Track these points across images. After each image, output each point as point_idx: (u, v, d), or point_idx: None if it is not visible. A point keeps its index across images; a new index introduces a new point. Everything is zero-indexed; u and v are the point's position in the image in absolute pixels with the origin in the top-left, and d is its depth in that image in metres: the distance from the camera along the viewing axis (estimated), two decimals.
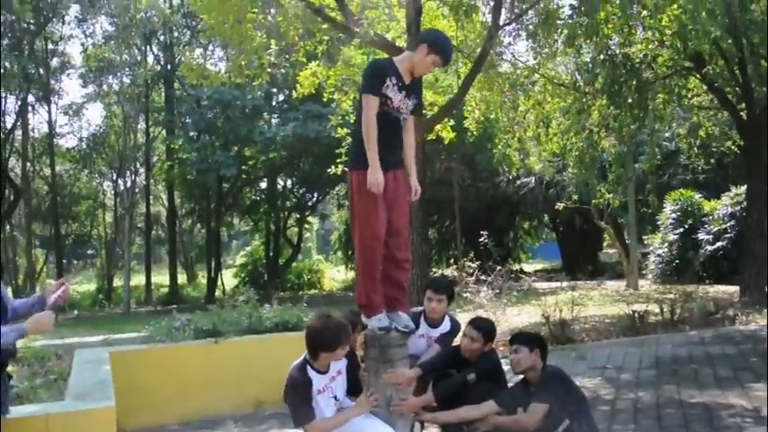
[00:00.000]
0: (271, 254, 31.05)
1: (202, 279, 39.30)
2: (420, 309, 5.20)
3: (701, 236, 20.43)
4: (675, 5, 9.43)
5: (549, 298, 15.43)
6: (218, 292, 28.11)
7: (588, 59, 13.50)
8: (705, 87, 15.75)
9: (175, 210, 31.29)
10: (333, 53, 12.50)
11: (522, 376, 4.63)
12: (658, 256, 21.72)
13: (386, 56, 9.04)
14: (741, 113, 14.36)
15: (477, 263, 10.36)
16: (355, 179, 4.27)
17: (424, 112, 10.74)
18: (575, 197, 23.09)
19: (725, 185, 23.24)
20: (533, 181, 28.10)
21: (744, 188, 20.18)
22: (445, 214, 28.87)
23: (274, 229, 30.95)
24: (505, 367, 4.95)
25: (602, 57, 12.80)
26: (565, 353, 8.67)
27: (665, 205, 22.40)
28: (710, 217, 20.64)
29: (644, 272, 21.87)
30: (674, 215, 21.66)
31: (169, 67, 28.03)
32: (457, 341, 5.09)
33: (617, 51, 12.91)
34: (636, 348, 8.99)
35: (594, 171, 16.64)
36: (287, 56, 11.96)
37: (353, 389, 4.35)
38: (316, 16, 9.56)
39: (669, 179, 22.79)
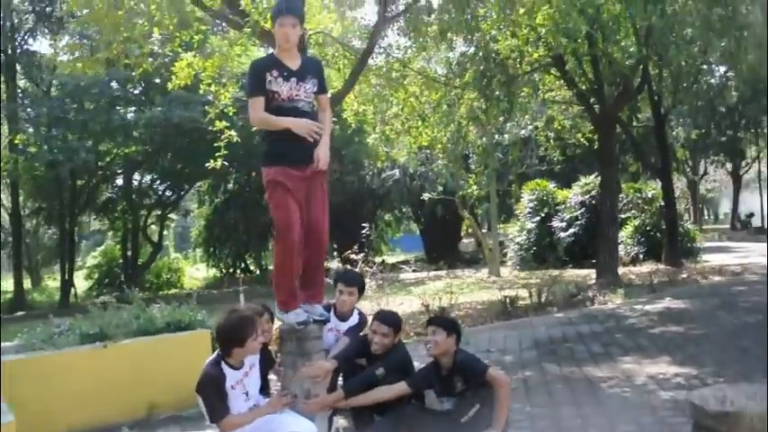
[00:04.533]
0: (129, 253, 29.62)
1: (49, 283, 36.83)
2: (327, 302, 5.19)
3: (556, 223, 21.77)
4: (548, 5, 9.98)
5: (420, 288, 16.06)
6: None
7: (459, 54, 13.99)
8: (561, 83, 16.80)
9: (19, 210, 28.90)
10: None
11: (432, 359, 4.73)
12: (517, 243, 22.88)
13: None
14: (594, 107, 15.40)
15: (360, 254, 10.44)
16: (264, 175, 4.24)
17: None
18: (440, 188, 23.91)
19: (575, 175, 24.95)
20: (398, 173, 28.77)
21: (592, 178, 21.81)
22: None
23: (132, 228, 29.51)
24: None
25: (472, 51, 13.33)
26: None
27: (522, 195, 23.68)
28: (564, 205, 22.01)
29: (504, 259, 22.97)
30: (531, 204, 22.89)
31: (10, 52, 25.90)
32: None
33: (488, 47, 13.41)
34: (513, 331, 9.45)
35: (461, 162, 17.34)
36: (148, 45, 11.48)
37: (263, 387, 4.31)
38: (193, 5, 9.22)
39: (526, 170, 24.00)
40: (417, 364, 5.02)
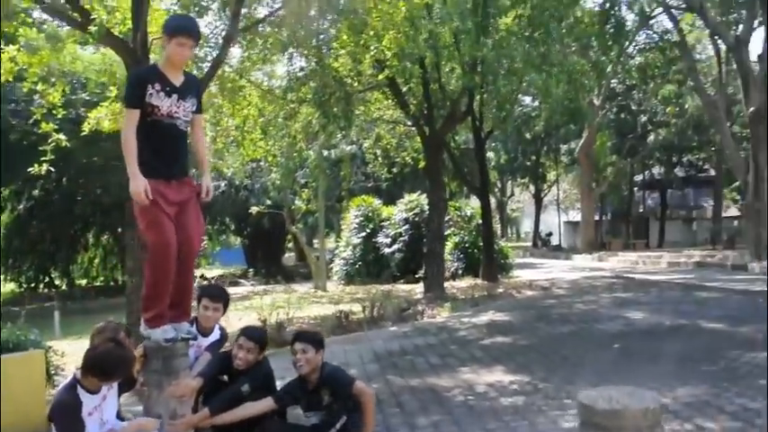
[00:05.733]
0: None
1: None
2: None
3: (381, 239, 22.48)
4: (395, 30, 10.42)
5: (246, 302, 15.90)
6: None
7: (299, 68, 14.12)
8: (390, 103, 17.47)
9: None
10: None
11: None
12: (343, 258, 23.32)
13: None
14: (424, 129, 16.16)
15: None
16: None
17: None
18: (269, 201, 23.81)
19: (399, 193, 25.92)
20: (223, 185, 28.23)
21: (415, 195, 22.83)
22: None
23: None
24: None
25: (311, 66, 13.52)
26: (287, 354, 8.98)
27: (348, 211, 24.20)
28: (388, 222, 22.78)
29: (330, 274, 23.30)
30: (357, 220, 23.44)
31: None
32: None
33: (325, 63, 13.64)
34: (352, 345, 9.65)
35: (293, 176, 17.41)
36: None
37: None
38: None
39: (353, 186, 24.58)
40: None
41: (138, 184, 3.90)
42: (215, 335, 5.10)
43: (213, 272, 32.82)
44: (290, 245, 36.36)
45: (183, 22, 4.33)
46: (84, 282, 32.40)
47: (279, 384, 5.02)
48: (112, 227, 27.76)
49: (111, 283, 30.68)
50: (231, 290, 17.56)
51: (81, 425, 3.72)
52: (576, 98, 16.50)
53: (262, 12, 13.10)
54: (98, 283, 31.66)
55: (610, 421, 2.42)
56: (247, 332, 4.94)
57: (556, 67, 13.28)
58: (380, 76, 13.07)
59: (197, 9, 9.00)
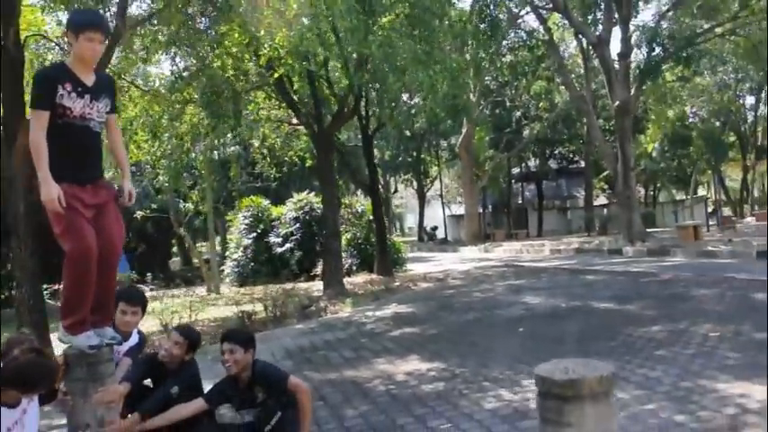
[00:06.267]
0: None
1: None
2: None
3: (272, 239, 22.26)
4: (287, 28, 10.34)
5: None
6: None
7: (183, 68, 13.72)
8: (273, 102, 17.32)
9: None
10: None
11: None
12: (234, 260, 22.89)
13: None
14: (313, 127, 16.13)
15: None
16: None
17: None
18: (154, 205, 22.94)
19: (286, 192, 25.73)
20: None
21: (304, 194, 22.78)
22: None
23: None
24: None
25: (196, 66, 13.17)
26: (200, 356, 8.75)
27: (235, 212, 23.78)
28: (279, 221, 22.60)
29: (221, 276, 22.81)
30: (246, 221, 23.08)
31: None
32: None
33: (208, 62, 13.33)
34: (261, 344, 9.31)
35: (183, 178, 16.89)
36: None
37: None
38: None
39: (240, 186, 24.17)
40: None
41: (51, 191, 3.68)
42: (133, 339, 4.92)
43: None
44: (175, 249, 35.32)
45: (89, 17, 4.12)
46: None
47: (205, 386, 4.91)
48: None
49: None
50: None
51: None
52: (459, 94, 17.00)
53: (137, 10, 12.66)
54: None
55: (568, 390, 2.56)
56: (181, 329, 4.89)
57: (439, 64, 13.64)
58: (275, 75, 12.90)
59: (76, 4, 8.51)
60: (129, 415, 4.49)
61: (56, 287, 10.94)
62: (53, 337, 6.89)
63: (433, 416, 5.35)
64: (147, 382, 4.82)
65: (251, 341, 4.68)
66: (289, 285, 17.11)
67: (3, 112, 9.17)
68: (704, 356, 6.35)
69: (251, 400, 4.61)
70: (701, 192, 44.46)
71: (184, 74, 13.72)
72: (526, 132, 38.04)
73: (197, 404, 4.58)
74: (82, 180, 3.88)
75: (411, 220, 58.96)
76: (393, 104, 15.66)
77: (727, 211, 40.55)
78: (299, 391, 4.59)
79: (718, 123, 41.09)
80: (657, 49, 21.99)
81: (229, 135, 14.41)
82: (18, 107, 9.04)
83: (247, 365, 4.57)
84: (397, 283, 16.16)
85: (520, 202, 43.90)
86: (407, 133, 38.28)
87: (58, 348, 4.62)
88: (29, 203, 8.99)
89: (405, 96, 30.82)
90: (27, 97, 9.74)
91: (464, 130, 33.03)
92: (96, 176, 4.02)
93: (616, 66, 22.92)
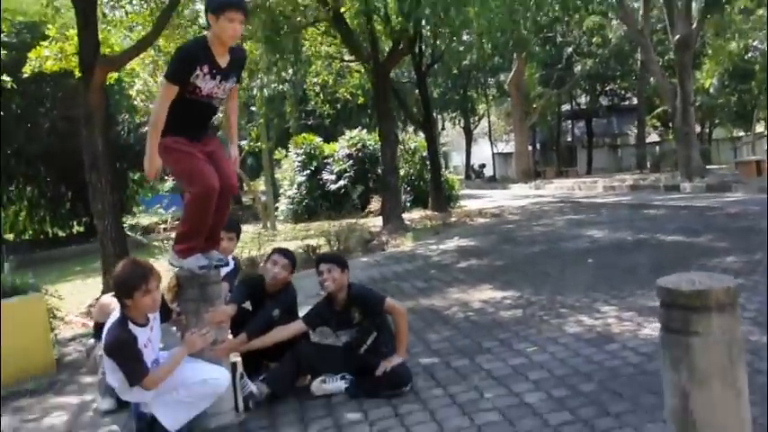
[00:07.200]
0: None
1: None
2: None
3: (326, 176, 22.48)
4: None
5: None
6: None
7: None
8: (332, 38, 17.21)
9: None
10: None
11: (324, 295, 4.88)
12: (288, 197, 23.24)
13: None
14: (370, 63, 16.05)
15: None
16: (163, 147, 3.99)
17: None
18: None
19: (338, 130, 25.78)
20: None
21: (356, 132, 22.83)
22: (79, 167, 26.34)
23: None
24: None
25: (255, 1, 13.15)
26: None
27: (289, 150, 23.97)
28: (332, 158, 22.77)
29: (276, 214, 23.19)
30: (299, 158, 23.31)
31: None
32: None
33: None
34: None
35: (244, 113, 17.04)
36: None
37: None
38: None
39: (293, 123, 24.32)
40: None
41: (150, 170, 3.92)
42: (230, 265, 5.14)
43: (148, 219, 31.95)
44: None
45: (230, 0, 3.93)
46: (11, 237, 31.12)
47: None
48: (37, 178, 26.63)
49: (42, 237, 29.57)
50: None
51: (140, 355, 3.77)
52: (517, 28, 16.68)
53: None
54: (26, 237, 30.50)
55: (696, 301, 2.63)
56: (281, 251, 5.04)
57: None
58: (334, 10, 12.80)
59: None
60: (232, 337, 4.74)
61: None
62: None
63: (517, 339, 5.49)
64: (246, 305, 5.03)
65: (346, 263, 4.85)
66: (347, 221, 17.38)
67: (79, 49, 9.38)
68: None
69: (347, 321, 4.80)
70: (759, 129, 43.01)
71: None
72: (577, 69, 37.17)
73: (297, 326, 4.80)
74: (195, 139, 4.09)
75: (456, 159, 58.60)
76: (454, 39, 15.40)
77: None
78: (395, 312, 4.76)
79: None
80: None
81: (289, 71, 14.40)
82: (91, 45, 9.24)
83: (343, 286, 4.75)
84: (454, 219, 16.26)
85: (569, 140, 43.26)
86: (455, 71, 37.76)
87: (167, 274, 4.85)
88: (106, 140, 9.28)
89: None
90: (100, 35, 9.95)
91: (514, 67, 32.42)
92: (207, 134, 4.25)
93: None
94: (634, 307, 6.05)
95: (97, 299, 7.02)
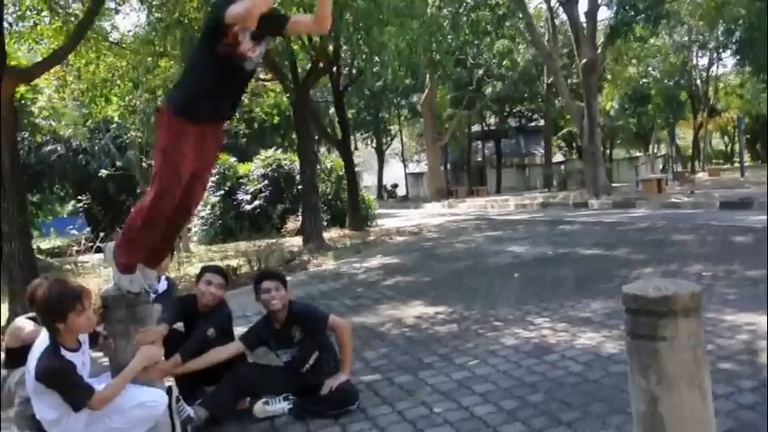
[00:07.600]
0: None
1: None
2: None
3: (241, 196, 22.06)
4: None
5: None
6: None
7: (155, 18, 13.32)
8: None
9: None
10: None
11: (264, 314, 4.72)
12: (202, 218, 22.63)
13: None
14: (289, 82, 15.95)
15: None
16: (166, 120, 3.62)
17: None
18: (119, 163, 22.41)
19: (251, 150, 25.43)
20: (59, 148, 26.13)
21: (271, 151, 22.59)
22: None
23: None
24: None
25: (173, 17, 12.82)
26: None
27: None
28: (246, 179, 22.39)
29: (189, 235, 22.50)
30: (212, 179, 22.75)
31: None
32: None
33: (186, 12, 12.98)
34: (251, 297, 9.50)
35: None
36: None
37: None
38: None
39: None
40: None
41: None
42: (162, 285, 4.93)
43: (47, 243, 30.38)
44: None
45: None
46: None
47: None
48: None
49: None
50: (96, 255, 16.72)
51: (83, 380, 3.53)
52: (439, 49, 17.00)
53: None
54: None
55: (663, 306, 2.66)
56: (213, 268, 4.85)
57: (417, 19, 13.55)
58: None
59: None
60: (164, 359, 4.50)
61: None
62: None
63: (456, 353, 5.48)
64: (179, 326, 4.81)
65: (286, 280, 4.71)
66: (265, 241, 17.05)
67: None
68: (704, 293, 6.59)
69: (288, 340, 4.65)
70: (656, 150, 45.51)
71: (160, 26, 13.32)
72: (488, 91, 38.19)
73: (234, 346, 4.63)
74: (208, 118, 3.69)
75: (368, 179, 58.86)
76: (376, 58, 15.45)
77: (679, 168, 41.63)
78: (340, 327, 4.66)
79: (671, 83, 41.88)
80: (628, 8, 22.21)
81: None
82: None
83: (286, 304, 4.61)
84: (373, 237, 16.26)
85: (479, 159, 44.28)
86: (368, 92, 38.06)
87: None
88: (15, 157, 8.75)
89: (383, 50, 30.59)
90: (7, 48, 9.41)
91: (427, 89, 32.96)
92: (225, 115, 3.96)
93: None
94: (566, 318, 6.17)
95: (6, 325, 6.55)
